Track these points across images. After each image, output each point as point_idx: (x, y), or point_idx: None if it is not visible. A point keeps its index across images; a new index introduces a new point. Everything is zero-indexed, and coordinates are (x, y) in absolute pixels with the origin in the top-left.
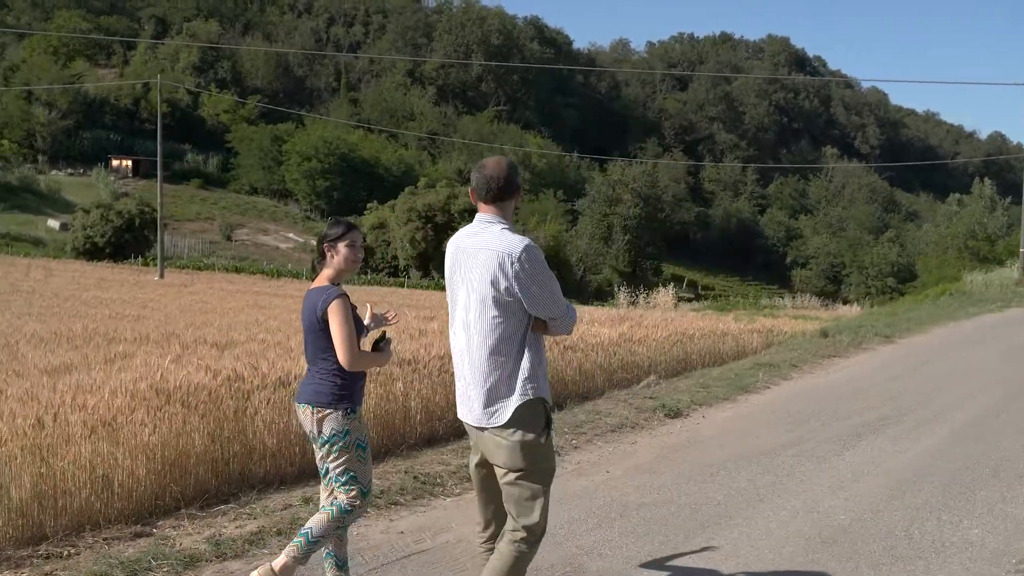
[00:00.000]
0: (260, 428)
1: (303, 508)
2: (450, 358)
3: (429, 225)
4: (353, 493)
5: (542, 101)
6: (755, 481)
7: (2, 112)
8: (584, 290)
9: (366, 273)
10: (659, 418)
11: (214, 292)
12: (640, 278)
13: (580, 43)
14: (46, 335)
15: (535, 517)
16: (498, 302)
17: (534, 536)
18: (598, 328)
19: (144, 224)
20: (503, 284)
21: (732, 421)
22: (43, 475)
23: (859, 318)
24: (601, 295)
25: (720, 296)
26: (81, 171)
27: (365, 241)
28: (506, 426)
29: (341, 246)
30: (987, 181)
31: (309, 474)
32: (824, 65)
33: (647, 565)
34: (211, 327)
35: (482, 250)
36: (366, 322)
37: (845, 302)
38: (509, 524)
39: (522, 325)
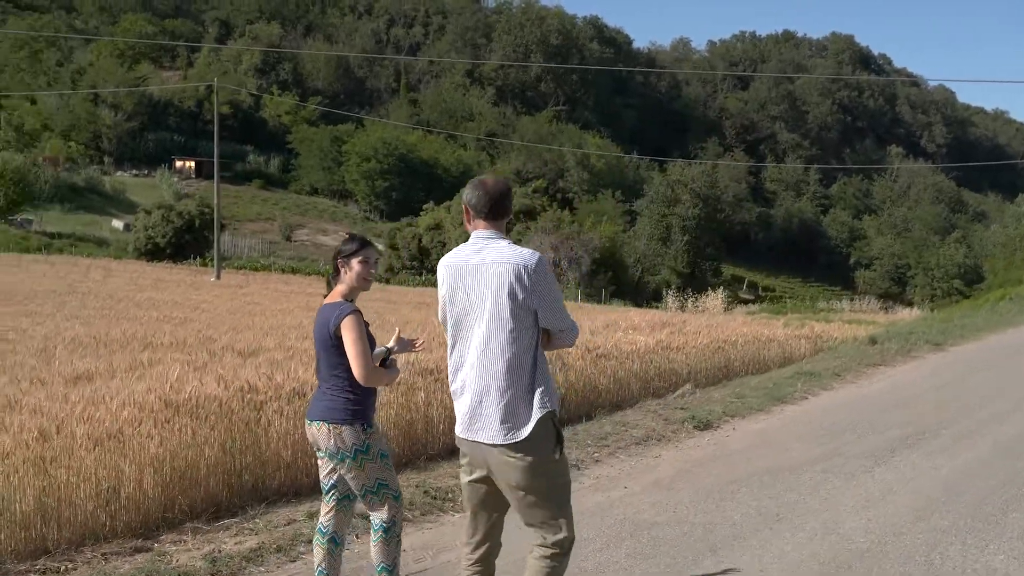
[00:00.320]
0: (275, 439)
1: (306, 523)
2: None
3: None
4: (387, 503)
5: (601, 101)
6: (778, 499)
7: (70, 114)
8: (642, 291)
9: (421, 274)
10: (687, 430)
11: (268, 293)
12: (699, 279)
13: (640, 43)
14: (85, 339)
15: (564, 532)
16: (515, 315)
17: (564, 549)
18: (635, 335)
19: (204, 225)
20: (520, 295)
21: (763, 434)
22: (46, 488)
23: (911, 324)
24: (659, 297)
25: (780, 298)
26: (145, 172)
27: (379, 258)
28: (521, 444)
29: (354, 262)
30: None
31: None
32: (889, 63)
33: None
34: (249, 331)
35: (492, 264)
36: (390, 344)
37: (909, 304)
38: (536, 540)
39: (534, 339)
